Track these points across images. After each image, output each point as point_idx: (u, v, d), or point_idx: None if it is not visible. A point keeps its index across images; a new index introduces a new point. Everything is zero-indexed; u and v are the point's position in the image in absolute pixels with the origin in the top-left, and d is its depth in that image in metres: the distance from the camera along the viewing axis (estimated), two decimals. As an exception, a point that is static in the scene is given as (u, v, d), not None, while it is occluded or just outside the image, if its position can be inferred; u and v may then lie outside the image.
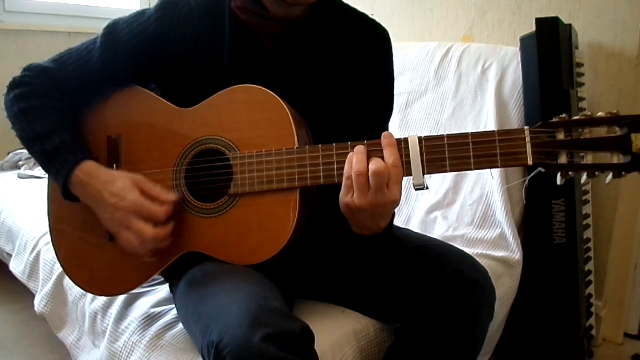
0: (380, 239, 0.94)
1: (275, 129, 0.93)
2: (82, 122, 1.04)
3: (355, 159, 0.86)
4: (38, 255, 1.56)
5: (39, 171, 2.22)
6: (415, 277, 0.98)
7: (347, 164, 0.86)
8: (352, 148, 0.88)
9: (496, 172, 1.60)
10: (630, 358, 1.80)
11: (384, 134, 0.87)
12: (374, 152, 0.87)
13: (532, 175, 0.81)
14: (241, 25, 1.02)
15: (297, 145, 0.91)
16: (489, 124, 1.67)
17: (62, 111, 1.00)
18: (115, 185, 0.93)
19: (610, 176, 0.80)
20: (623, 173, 0.79)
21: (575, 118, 0.81)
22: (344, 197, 0.87)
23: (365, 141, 0.88)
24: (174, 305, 1.08)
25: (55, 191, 1.05)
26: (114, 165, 1.02)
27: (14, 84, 1.02)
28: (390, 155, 0.85)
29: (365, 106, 1.07)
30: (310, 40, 1.04)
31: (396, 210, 0.95)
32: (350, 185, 0.86)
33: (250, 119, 0.94)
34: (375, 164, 0.84)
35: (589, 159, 0.80)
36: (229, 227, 0.95)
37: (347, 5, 1.09)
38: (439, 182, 1.72)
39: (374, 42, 1.09)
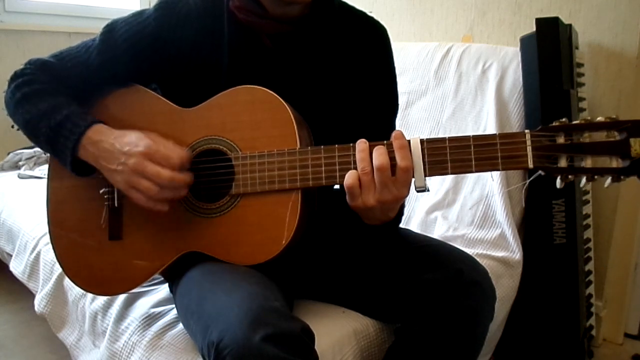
0: (390, 226, 0.97)
1: (277, 130, 0.93)
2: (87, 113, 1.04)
3: (359, 157, 0.86)
4: (38, 255, 1.56)
5: (39, 171, 2.22)
6: (415, 277, 0.99)
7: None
8: (355, 149, 0.88)
9: (496, 173, 1.60)
10: (630, 358, 1.80)
11: (394, 134, 0.87)
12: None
13: (532, 178, 0.81)
14: (240, 24, 1.02)
15: (298, 146, 0.92)
16: (489, 124, 1.67)
17: (65, 94, 1.00)
18: (127, 137, 0.92)
19: (609, 180, 0.81)
20: (622, 177, 0.80)
21: (575, 122, 0.82)
22: (351, 199, 0.88)
23: (368, 143, 0.88)
24: (174, 305, 1.08)
25: (54, 191, 1.05)
26: None
27: (15, 76, 1.02)
28: (402, 158, 0.85)
29: (368, 105, 1.07)
30: (309, 39, 1.04)
31: (406, 200, 0.96)
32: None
33: (252, 119, 0.95)
34: (378, 160, 0.84)
35: (588, 162, 0.81)
36: (230, 227, 0.95)
37: (345, 4, 1.10)
38: (439, 183, 1.72)
39: (372, 40, 1.09)
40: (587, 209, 1.74)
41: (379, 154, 0.85)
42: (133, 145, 0.91)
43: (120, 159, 0.91)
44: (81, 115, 0.96)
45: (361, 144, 0.87)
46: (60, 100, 0.98)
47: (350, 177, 0.86)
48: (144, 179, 0.90)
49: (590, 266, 1.75)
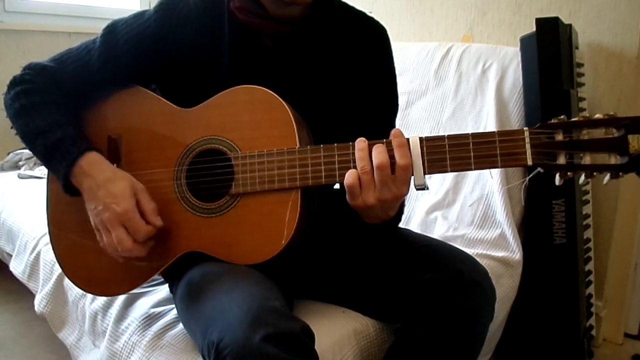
0: (390, 224, 0.97)
1: (277, 129, 0.93)
2: (82, 122, 1.04)
3: (358, 155, 0.86)
4: (38, 255, 1.56)
5: (39, 171, 2.22)
6: (415, 277, 0.99)
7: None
8: (354, 148, 0.88)
9: (496, 172, 1.60)
10: (630, 358, 1.80)
11: (393, 132, 0.87)
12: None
13: (531, 175, 0.81)
14: (240, 25, 1.02)
15: (298, 146, 0.91)
16: (489, 124, 1.67)
17: (63, 106, 1.00)
18: (114, 186, 0.92)
19: (607, 177, 0.81)
20: (620, 174, 0.80)
21: (573, 119, 0.82)
22: (352, 198, 0.88)
23: (367, 142, 0.88)
24: (174, 305, 1.08)
25: (53, 192, 1.05)
26: (114, 165, 1.02)
27: (14, 82, 1.02)
28: (401, 156, 0.85)
29: (368, 104, 1.07)
30: (309, 39, 1.04)
31: (406, 200, 0.96)
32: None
33: (251, 119, 0.95)
34: (377, 158, 0.84)
35: (587, 159, 0.81)
36: (230, 226, 0.95)
37: (345, 4, 1.10)
38: (439, 182, 1.72)
39: (372, 40, 1.09)
40: (587, 209, 1.74)
41: (379, 152, 0.85)
42: (114, 201, 0.91)
43: (98, 206, 0.92)
44: (75, 141, 0.96)
45: (360, 143, 0.87)
46: (56, 117, 0.98)
47: (350, 176, 0.86)
48: (108, 233, 0.92)
49: (590, 266, 1.75)
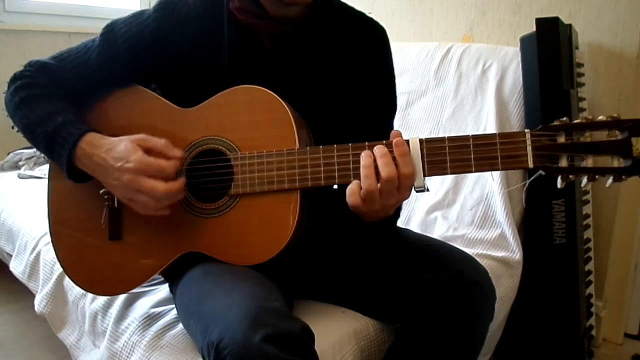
0: (389, 222, 0.98)
1: (276, 130, 0.93)
2: (83, 119, 1.04)
3: (364, 173, 0.85)
4: (38, 255, 1.56)
5: (39, 171, 2.22)
6: (415, 277, 0.99)
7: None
8: (353, 149, 0.88)
9: (496, 173, 1.60)
10: (630, 358, 1.80)
11: (395, 140, 0.86)
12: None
13: (532, 178, 0.81)
14: (240, 25, 1.02)
15: (298, 146, 0.91)
16: (489, 124, 1.67)
17: (63, 99, 1.01)
18: (116, 150, 0.92)
19: (610, 180, 0.80)
20: (623, 177, 0.79)
21: (575, 121, 0.81)
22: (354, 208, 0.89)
23: (367, 142, 0.88)
24: (174, 305, 1.08)
25: (55, 191, 1.05)
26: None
27: (14, 78, 1.02)
28: (404, 165, 0.85)
29: (367, 105, 1.07)
30: (309, 40, 1.04)
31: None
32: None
33: (251, 119, 0.94)
34: (385, 171, 0.84)
35: (589, 162, 0.80)
36: (229, 227, 0.95)
37: (345, 4, 1.10)
38: (439, 183, 1.72)
39: (372, 41, 1.09)
40: (587, 209, 1.74)
41: (385, 164, 0.84)
42: (124, 161, 0.90)
43: (114, 175, 0.91)
44: (75, 124, 0.96)
45: (366, 159, 0.86)
46: (56, 105, 0.98)
47: (352, 196, 0.86)
48: (140, 193, 0.90)
49: (590, 266, 1.75)
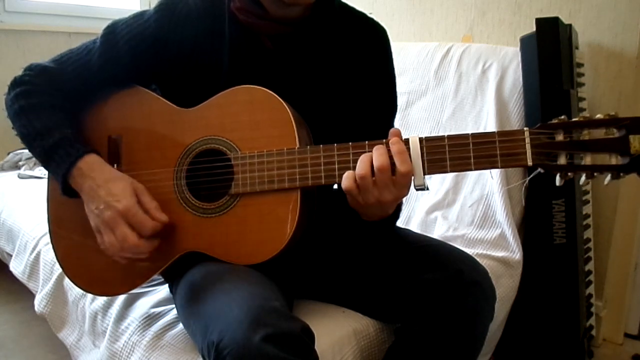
0: (389, 221, 0.98)
1: (277, 129, 0.93)
2: (82, 122, 1.05)
3: (359, 160, 0.86)
4: (38, 255, 1.56)
5: (39, 171, 2.22)
6: (415, 277, 0.99)
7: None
8: (354, 148, 0.88)
9: (496, 172, 1.60)
10: (630, 358, 1.80)
11: (393, 139, 0.86)
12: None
13: (531, 176, 0.81)
14: (240, 26, 1.02)
15: (298, 146, 0.91)
16: (489, 124, 1.67)
17: (62, 109, 1.00)
18: (115, 185, 0.92)
19: (608, 177, 0.81)
20: (621, 174, 0.80)
21: (574, 119, 0.82)
22: (350, 199, 0.88)
23: (367, 142, 0.88)
24: (174, 305, 1.08)
25: (54, 192, 1.05)
26: (114, 165, 1.02)
27: (15, 83, 1.02)
28: (401, 162, 0.85)
29: (367, 105, 1.07)
30: (310, 40, 1.04)
31: (406, 200, 0.96)
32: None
33: (251, 119, 0.95)
34: (378, 161, 0.84)
35: (587, 160, 0.81)
36: (230, 226, 0.95)
37: (345, 5, 1.10)
38: (439, 182, 1.72)
39: (372, 41, 1.09)
40: (587, 209, 1.74)
41: (379, 155, 0.85)
42: (115, 199, 0.91)
43: (99, 205, 0.92)
44: (73, 144, 0.95)
45: (364, 156, 0.87)
46: (54, 119, 0.98)
47: (346, 180, 0.86)
48: (112, 233, 0.91)
49: (590, 266, 1.75)
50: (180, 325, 1.04)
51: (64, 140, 0.95)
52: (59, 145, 0.95)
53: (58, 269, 1.41)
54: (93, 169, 0.94)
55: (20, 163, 2.35)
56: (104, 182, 0.93)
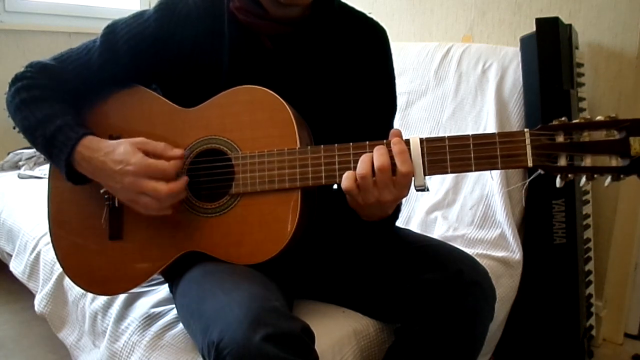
0: (388, 222, 0.98)
1: (277, 129, 0.93)
2: (82, 121, 1.04)
3: (360, 160, 0.86)
4: (38, 255, 1.56)
5: (39, 171, 2.23)
6: (415, 277, 0.99)
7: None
8: (354, 148, 0.89)
9: (496, 173, 1.60)
10: (630, 358, 1.80)
11: (394, 140, 0.87)
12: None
13: (532, 177, 0.81)
14: (240, 25, 1.02)
15: (298, 146, 0.92)
16: (489, 124, 1.67)
17: (62, 100, 1.01)
18: (116, 153, 0.92)
19: (608, 179, 0.81)
20: (621, 176, 0.80)
21: (574, 121, 0.82)
22: (350, 199, 0.88)
23: (367, 142, 0.88)
24: (174, 305, 1.08)
25: (55, 191, 1.05)
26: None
27: (16, 79, 1.02)
28: (402, 162, 0.85)
29: (367, 105, 1.08)
30: (309, 40, 1.04)
31: (406, 200, 0.96)
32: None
33: (252, 119, 0.95)
34: (379, 161, 0.85)
35: (587, 161, 0.81)
36: (230, 226, 0.95)
37: (345, 5, 1.10)
38: (439, 182, 1.72)
39: (372, 41, 1.09)
40: (587, 209, 1.74)
41: (380, 155, 0.85)
42: (125, 164, 0.90)
43: (115, 178, 0.91)
44: (73, 128, 0.96)
45: (365, 156, 0.87)
46: (56, 108, 0.98)
47: (346, 180, 0.86)
48: (143, 194, 0.90)
49: (590, 266, 1.75)
50: (180, 325, 1.04)
51: (64, 126, 0.95)
52: (60, 130, 0.95)
53: (58, 269, 1.41)
54: (92, 150, 0.94)
55: (20, 163, 2.35)
56: (105, 155, 0.92)
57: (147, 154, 0.92)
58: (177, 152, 0.94)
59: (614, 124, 0.79)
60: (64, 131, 0.95)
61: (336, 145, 0.90)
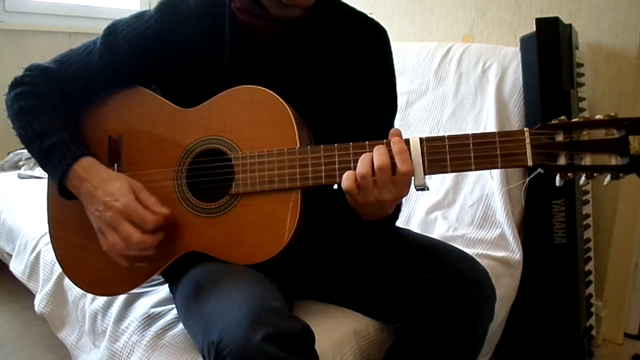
0: (388, 221, 0.98)
1: (277, 129, 0.93)
2: (82, 122, 1.05)
3: (360, 160, 0.86)
4: (38, 255, 1.56)
5: (39, 171, 2.22)
6: (415, 277, 0.99)
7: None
8: (354, 148, 0.89)
9: (496, 172, 1.60)
10: (630, 358, 1.80)
11: (394, 139, 0.87)
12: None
13: (531, 176, 0.81)
14: (241, 26, 1.02)
15: (298, 146, 0.92)
16: (489, 124, 1.67)
17: (61, 110, 1.01)
18: (111, 185, 0.92)
19: (608, 177, 0.81)
20: (621, 175, 0.80)
21: (574, 120, 0.82)
22: (350, 198, 0.88)
23: (367, 142, 0.88)
24: (174, 305, 1.08)
25: (54, 192, 1.05)
26: (115, 165, 1.02)
27: (15, 83, 1.02)
28: (402, 162, 0.85)
29: (367, 105, 1.08)
30: (310, 40, 1.04)
31: (406, 200, 0.96)
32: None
33: (252, 119, 0.95)
34: (378, 160, 0.85)
35: (587, 160, 0.81)
36: (230, 226, 0.95)
37: (346, 5, 1.10)
38: (439, 182, 1.72)
39: (372, 41, 1.09)
40: (587, 209, 1.74)
41: (380, 154, 0.85)
42: (113, 198, 0.90)
43: (98, 206, 0.91)
44: (70, 147, 0.95)
45: (365, 155, 0.87)
46: (53, 120, 0.98)
47: (347, 180, 0.86)
48: (115, 232, 0.90)
49: (590, 266, 1.75)
50: (180, 325, 1.04)
51: (61, 142, 0.95)
52: (56, 147, 0.95)
53: (58, 269, 1.41)
54: (89, 172, 0.94)
55: (20, 163, 2.35)
56: (100, 183, 0.93)
57: (137, 199, 0.92)
58: (164, 210, 0.93)
59: (613, 122, 0.80)
60: (60, 149, 0.95)
61: (336, 145, 0.90)
